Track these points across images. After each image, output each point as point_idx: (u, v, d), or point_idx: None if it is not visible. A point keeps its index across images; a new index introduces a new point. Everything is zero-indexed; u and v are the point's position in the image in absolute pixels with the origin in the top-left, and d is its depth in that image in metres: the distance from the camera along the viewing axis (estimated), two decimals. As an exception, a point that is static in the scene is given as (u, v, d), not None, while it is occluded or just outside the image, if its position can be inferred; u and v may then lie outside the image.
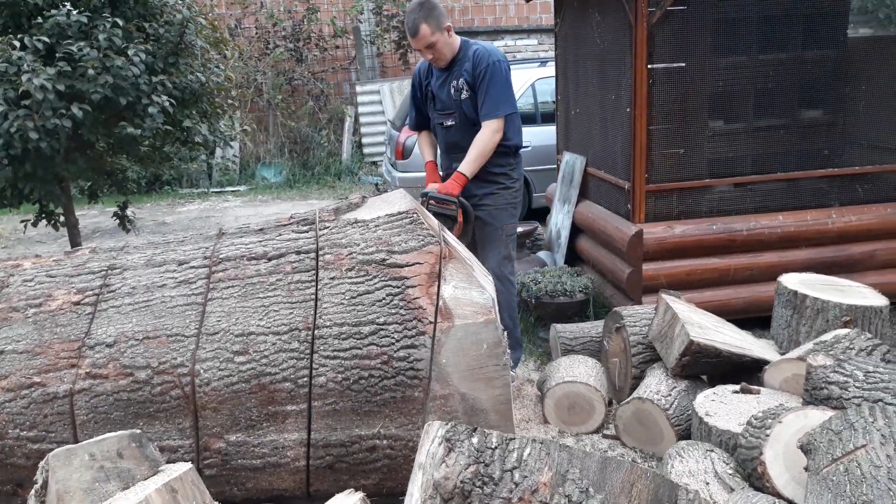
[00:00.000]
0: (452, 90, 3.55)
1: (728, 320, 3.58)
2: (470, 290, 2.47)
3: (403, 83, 9.62)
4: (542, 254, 4.99)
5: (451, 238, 2.84)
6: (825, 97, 4.11)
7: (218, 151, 9.62)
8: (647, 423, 3.06)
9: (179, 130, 4.76)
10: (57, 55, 4.09)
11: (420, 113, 3.81)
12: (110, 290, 2.53)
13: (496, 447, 1.73)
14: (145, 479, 2.11)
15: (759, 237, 4.08)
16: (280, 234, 2.69)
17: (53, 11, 4.14)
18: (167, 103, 4.31)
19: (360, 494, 1.85)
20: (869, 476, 1.88)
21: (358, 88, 9.99)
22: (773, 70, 4.02)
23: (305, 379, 2.41)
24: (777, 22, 3.93)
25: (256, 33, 10.11)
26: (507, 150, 3.65)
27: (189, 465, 2.16)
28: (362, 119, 10.05)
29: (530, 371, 3.91)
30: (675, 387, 3.10)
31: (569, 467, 1.69)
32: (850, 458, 1.95)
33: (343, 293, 2.48)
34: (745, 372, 3.15)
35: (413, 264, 2.50)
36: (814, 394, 2.58)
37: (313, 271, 2.53)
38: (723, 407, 2.85)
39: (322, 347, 2.41)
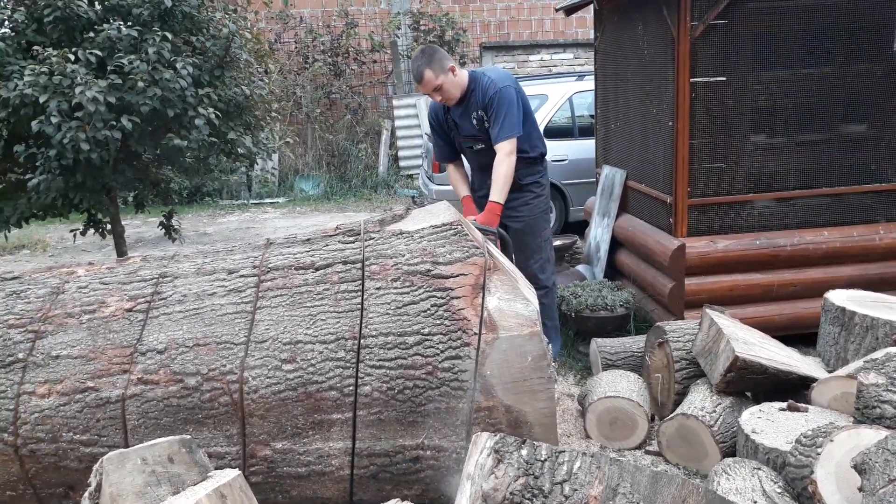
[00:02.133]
0: (475, 120, 3.72)
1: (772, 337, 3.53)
2: (515, 301, 2.47)
3: (440, 97, 9.69)
4: (581, 267, 4.97)
5: (496, 251, 2.85)
6: (871, 111, 4.04)
7: (258, 163, 9.76)
8: (691, 439, 3.03)
9: (224, 142, 4.85)
10: (108, 68, 4.21)
11: (445, 144, 3.94)
12: (161, 298, 2.58)
13: (546, 459, 1.73)
14: (195, 485, 2.14)
15: (803, 253, 4.02)
16: (327, 245, 2.72)
17: (105, 26, 4.26)
18: (213, 115, 4.40)
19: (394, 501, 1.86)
20: (922, 500, 1.84)
21: (395, 102, 10.08)
22: (816, 84, 3.97)
23: (351, 388, 2.43)
24: (821, 35, 3.88)
25: (296, 48, 10.28)
26: (534, 159, 3.88)
27: (237, 471, 2.19)
28: (399, 132, 10.13)
29: (570, 385, 3.89)
30: (719, 403, 3.06)
31: (620, 481, 1.68)
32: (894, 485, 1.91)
33: (388, 303, 2.50)
34: (791, 390, 3.09)
35: (458, 275, 2.51)
36: (865, 412, 2.53)
37: (359, 281, 2.56)
38: (770, 424, 2.80)
39: (368, 357, 2.43)
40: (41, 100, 3.92)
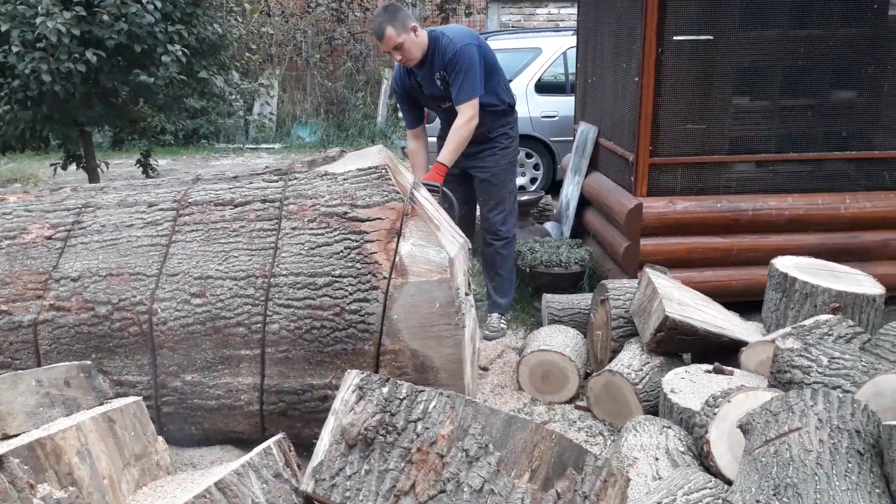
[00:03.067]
0: (438, 81, 3.68)
1: (728, 302, 3.50)
2: (427, 248, 2.46)
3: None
4: (549, 224, 4.93)
5: (423, 197, 2.82)
6: (850, 77, 3.92)
7: (255, 108, 9.73)
8: (617, 396, 3.03)
9: (196, 81, 4.82)
10: (74, 0, 4.18)
11: (411, 110, 3.93)
12: (81, 227, 2.60)
13: (405, 398, 1.73)
14: (89, 409, 2.18)
15: (765, 218, 3.95)
16: (251, 183, 2.72)
17: (74, -43, 4.22)
18: (180, 53, 4.37)
19: (280, 435, 1.88)
20: (797, 459, 1.83)
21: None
22: (794, 46, 3.84)
23: (259, 325, 2.45)
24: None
25: (299, -9, 10.15)
26: (502, 111, 3.85)
27: (136, 399, 2.23)
28: (400, 83, 9.99)
29: (518, 339, 3.89)
30: (648, 362, 3.05)
31: (471, 422, 1.68)
32: (781, 441, 1.90)
33: (302, 244, 2.50)
34: (728, 353, 3.07)
35: (374, 219, 2.50)
36: (778, 377, 2.51)
37: (276, 220, 2.56)
38: (691, 385, 2.79)
39: (277, 295, 2.45)
40: (2, 28, 3.90)
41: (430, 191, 3.42)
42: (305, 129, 9.83)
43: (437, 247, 2.46)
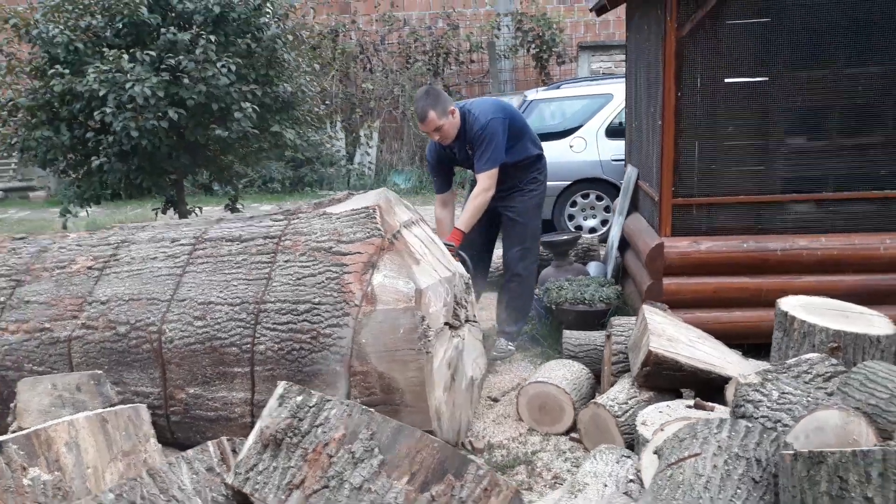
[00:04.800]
0: (469, 151, 4.06)
1: (758, 343, 3.47)
2: (397, 279, 2.70)
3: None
4: (592, 265, 5.01)
5: (415, 235, 3.07)
6: (871, 113, 3.80)
7: (356, 157, 10.39)
8: (602, 428, 3.09)
9: (270, 135, 5.36)
10: (161, 67, 4.83)
11: (440, 179, 4.30)
12: (116, 259, 3.06)
13: (313, 406, 1.98)
14: (94, 411, 2.58)
15: (796, 258, 3.87)
16: (261, 222, 3.09)
17: (162, 30, 4.89)
18: (250, 109, 4.91)
19: (224, 438, 2.17)
20: (686, 483, 1.90)
21: (489, 101, 10.31)
22: (814, 85, 3.80)
23: (248, 345, 2.77)
24: (817, 34, 3.72)
25: (399, 48, 10.79)
26: (532, 161, 4.22)
27: (135, 405, 2.60)
28: (494, 131, 10.32)
29: (532, 371, 4.01)
30: (634, 396, 3.10)
31: (363, 429, 1.89)
32: (679, 465, 1.96)
33: (291, 274, 2.82)
34: (722, 390, 3.07)
35: (354, 253, 2.79)
36: (735, 411, 2.52)
37: (273, 254, 2.90)
38: (667, 419, 2.83)
39: (265, 319, 2.77)
40: (100, 93, 4.59)
41: (448, 247, 3.72)
42: (401, 177, 10.36)
43: (406, 278, 2.70)
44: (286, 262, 2.85)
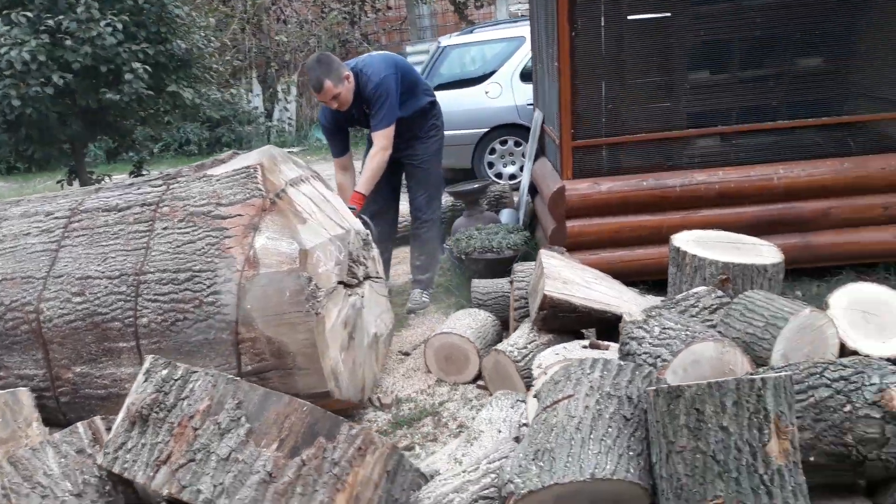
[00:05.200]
0: (366, 111, 3.99)
1: (664, 279, 3.52)
2: (280, 241, 2.63)
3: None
4: (505, 212, 5.01)
5: (304, 193, 2.99)
6: (766, 46, 3.85)
7: (275, 114, 10.10)
8: (504, 374, 3.12)
9: (168, 95, 5.13)
10: (40, 28, 4.54)
11: (337, 141, 4.19)
12: (-13, 238, 2.90)
13: (178, 379, 1.92)
14: (-33, 398, 2.46)
15: (694, 193, 3.93)
16: (139, 189, 2.95)
17: (40, -11, 4.60)
18: (141, 70, 4.68)
19: (97, 417, 2.10)
20: (559, 425, 1.91)
21: (408, 49, 10.12)
22: (713, 18, 3.81)
23: (131, 319, 2.68)
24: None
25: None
26: (427, 108, 4.22)
27: (17, 390, 2.50)
28: (416, 79, 10.16)
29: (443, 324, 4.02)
30: (534, 340, 3.13)
31: (229, 398, 1.85)
32: (553, 408, 1.98)
33: (170, 242, 2.71)
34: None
35: (234, 216, 2.70)
36: (621, 349, 2.56)
37: (150, 222, 2.78)
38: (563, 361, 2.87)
39: (145, 291, 2.67)
40: (-28, 60, 4.30)
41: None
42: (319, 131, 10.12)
43: (289, 239, 2.63)
44: (164, 229, 2.74)
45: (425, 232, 4.26)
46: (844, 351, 2.43)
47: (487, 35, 7.19)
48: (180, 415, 1.85)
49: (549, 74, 4.38)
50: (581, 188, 3.96)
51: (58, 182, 6.10)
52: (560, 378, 2.06)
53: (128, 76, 4.69)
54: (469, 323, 3.45)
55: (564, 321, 3.13)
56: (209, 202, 2.75)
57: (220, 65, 6.28)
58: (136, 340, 2.68)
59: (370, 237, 3.35)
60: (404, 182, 4.38)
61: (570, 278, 3.18)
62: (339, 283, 2.90)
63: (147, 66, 4.76)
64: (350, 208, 3.60)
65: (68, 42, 4.50)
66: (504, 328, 3.66)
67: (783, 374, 1.70)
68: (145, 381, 1.95)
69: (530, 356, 3.07)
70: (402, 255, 4.81)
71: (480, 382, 3.33)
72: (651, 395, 1.78)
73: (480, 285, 3.87)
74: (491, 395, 3.23)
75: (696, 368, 2.25)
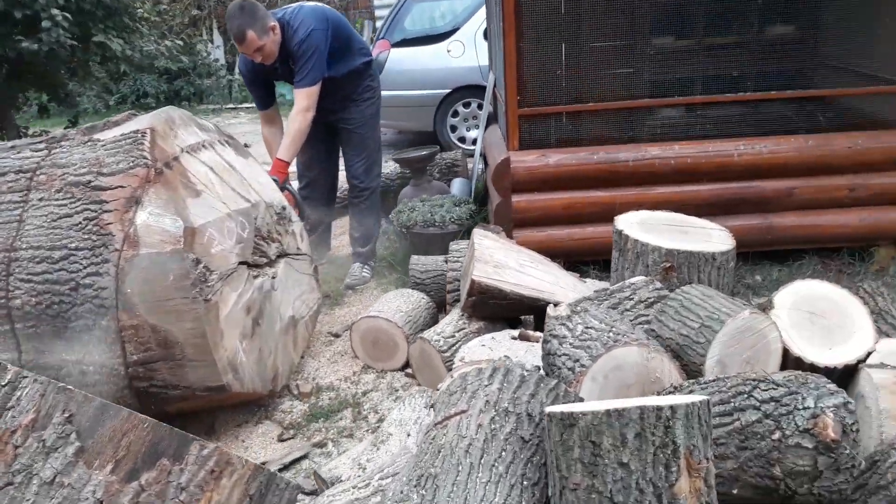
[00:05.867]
0: (292, 66, 3.64)
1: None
2: (164, 217, 2.34)
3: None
4: (456, 181, 4.72)
5: (206, 162, 2.68)
6: (736, 13, 3.55)
7: (237, 67, 9.66)
8: (430, 364, 2.88)
9: (96, 46, 4.75)
10: (-53, -32, 4.14)
11: (261, 91, 3.87)
12: None
13: (6, 385, 1.65)
14: None
15: (648, 168, 3.66)
16: (19, 152, 2.63)
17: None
18: (60, 17, 4.29)
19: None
20: (447, 447, 1.67)
21: (375, 1, 9.66)
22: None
23: (3, 300, 2.39)
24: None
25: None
26: (362, 69, 3.90)
27: None
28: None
29: (379, 303, 3.76)
30: (463, 328, 2.89)
31: (57, 411, 1.58)
32: (443, 424, 1.73)
33: (46, 216, 2.41)
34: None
35: (115, 187, 2.40)
36: (543, 347, 2.32)
37: (26, 191, 2.48)
38: (489, 353, 2.63)
39: (17, 270, 2.38)
40: None
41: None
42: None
43: (174, 216, 2.34)
44: (40, 200, 2.44)
45: (363, 201, 3.98)
46: (788, 357, 2.20)
47: (448, -9, 6.80)
48: (2, 428, 1.59)
49: (498, 34, 4.06)
50: (528, 160, 3.68)
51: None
52: (456, 389, 1.81)
53: (46, 24, 4.30)
54: (399, 305, 3.20)
55: (495, 308, 2.88)
56: (90, 171, 2.44)
57: (155, 14, 5.84)
58: (11, 324, 2.40)
59: (287, 210, 3.06)
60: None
61: (503, 262, 2.93)
62: (242, 263, 2.62)
63: (67, 14, 4.36)
64: (273, 179, 3.30)
65: (-22, -16, 4.10)
66: (441, 311, 3.41)
67: (697, 399, 1.46)
68: (-30, 386, 1.68)
69: (457, 345, 2.82)
70: (345, 226, 4.53)
71: (409, 370, 3.09)
72: (546, 418, 1.53)
73: (419, 262, 3.61)
74: (419, 385, 3.00)
75: (619, 376, 2.02)
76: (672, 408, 1.42)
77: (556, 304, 2.70)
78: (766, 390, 1.69)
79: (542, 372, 2.21)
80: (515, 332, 2.74)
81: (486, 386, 1.76)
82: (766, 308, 2.31)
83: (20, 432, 1.56)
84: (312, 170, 4.05)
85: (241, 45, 3.49)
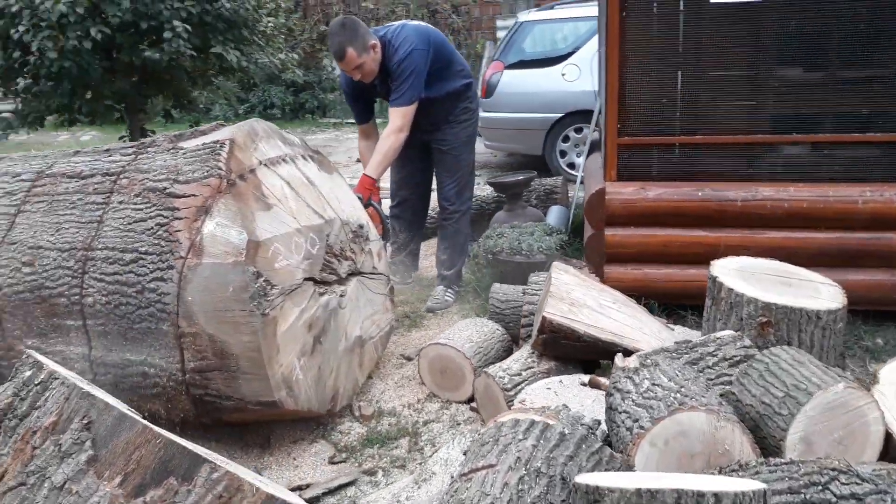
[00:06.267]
0: (389, 83, 3.62)
1: None
2: (230, 228, 2.34)
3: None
4: (555, 209, 4.54)
5: (283, 176, 2.68)
6: (867, 47, 3.19)
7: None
8: (494, 400, 2.73)
9: (216, 57, 4.96)
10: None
11: (360, 106, 3.88)
12: (-42, 196, 2.76)
13: (38, 384, 1.66)
14: None
15: (759, 210, 3.35)
16: (110, 156, 2.74)
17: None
18: (181, 28, 4.51)
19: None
20: (468, 503, 1.53)
21: (499, 23, 9.63)
22: (797, 12, 3.20)
23: (77, 297, 2.47)
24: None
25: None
26: (461, 90, 3.84)
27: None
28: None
29: (457, 329, 3.64)
30: (531, 367, 2.72)
31: (77, 417, 1.57)
32: (468, 477, 1.59)
33: (123, 218, 2.48)
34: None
35: (188, 196, 2.43)
36: (606, 400, 2.12)
37: (108, 193, 2.56)
38: (553, 398, 2.46)
39: (92, 269, 2.45)
40: (13, 9, 4.24)
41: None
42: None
43: (240, 228, 2.33)
44: (120, 203, 2.51)
45: (453, 224, 3.90)
46: (890, 444, 1.89)
47: (569, 12, 6.64)
48: (27, 427, 1.59)
49: (602, 58, 3.87)
50: (625, 192, 3.46)
51: (120, 138, 6.11)
52: (488, 439, 1.66)
53: (167, 34, 4.53)
54: (471, 335, 3.07)
55: (567, 349, 2.70)
56: (168, 177, 2.49)
57: (286, 29, 6.04)
58: (83, 320, 2.48)
59: (365, 228, 3.01)
60: None
61: (581, 300, 2.74)
62: (309, 279, 2.58)
63: (187, 26, 4.58)
64: (357, 196, 3.27)
65: (107, -5, 4.38)
66: (516, 344, 3.25)
67: (752, 488, 1.24)
68: (11, 379, 1.71)
69: (523, 384, 2.66)
70: (434, 247, 4.46)
71: (474, 405, 2.95)
72: (573, 488, 1.36)
73: (500, 291, 3.47)
74: (483, 421, 2.86)
75: (682, 443, 1.80)
76: (716, 496, 1.22)
77: (628, 353, 2.50)
78: (847, 484, 1.44)
79: (602, 427, 2.03)
80: (586, 378, 2.55)
81: (521, 440, 1.61)
82: (868, 382, 2.00)
83: (40, 434, 1.56)
84: (405, 189, 4.02)
85: (340, 62, 3.51)
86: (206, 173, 2.44)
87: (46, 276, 2.49)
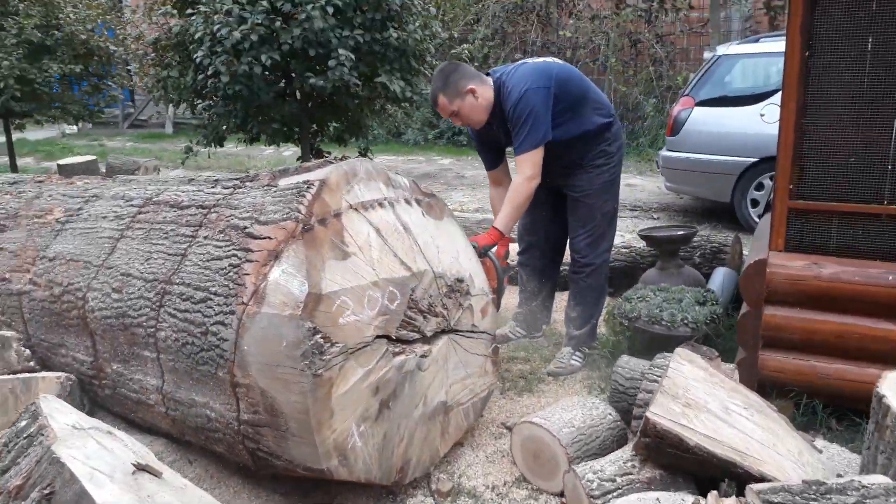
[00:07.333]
0: (509, 127, 3.32)
1: None
2: (294, 278, 2.16)
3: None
4: (720, 271, 3.93)
5: (372, 222, 2.47)
6: None
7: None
8: (578, 502, 2.31)
9: (382, 86, 4.95)
10: (258, 9, 4.61)
11: (487, 151, 3.58)
12: (79, 214, 2.88)
13: (26, 437, 1.58)
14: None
15: (972, 306, 2.60)
16: (211, 188, 2.70)
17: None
18: (344, 57, 4.53)
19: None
20: None
21: (706, 55, 8.83)
22: None
23: (153, 329, 2.44)
24: None
25: (607, -8, 9.64)
26: (598, 130, 3.41)
27: (31, 377, 2.42)
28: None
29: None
30: (629, 473, 2.26)
31: (42, 482, 1.45)
32: None
33: (203, 254, 2.41)
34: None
35: (264, 238, 2.29)
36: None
37: (197, 227, 2.51)
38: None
39: (168, 303, 2.41)
40: (196, 35, 4.51)
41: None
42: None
43: (303, 278, 2.15)
44: (205, 238, 2.44)
45: (584, 278, 3.48)
46: None
47: (775, 46, 5.85)
48: (1, 485, 1.50)
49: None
50: (793, 267, 2.85)
51: (297, 160, 6.35)
52: None
53: (331, 62, 4.57)
54: (573, 417, 2.66)
55: (672, 458, 2.21)
56: (251, 216, 2.38)
57: (471, 55, 5.93)
58: (157, 353, 2.44)
59: (465, 283, 2.72)
60: None
61: (700, 401, 2.24)
62: (383, 336, 2.35)
63: (350, 55, 4.59)
64: (472, 245, 2.99)
65: (278, 24, 4.50)
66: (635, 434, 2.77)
67: None
68: (13, 424, 1.64)
69: (614, 494, 2.22)
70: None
71: (564, 500, 2.54)
72: None
73: (627, 365, 3.01)
74: (569, 520, 2.44)
75: None
76: None
77: (748, 477, 1.99)
78: None
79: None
80: (691, 500, 2.05)
81: None
82: None
83: (2, 498, 1.46)
84: (534, 234, 3.67)
85: (435, 108, 3.33)
86: (285, 215, 2.29)
87: (130, 304, 2.49)
